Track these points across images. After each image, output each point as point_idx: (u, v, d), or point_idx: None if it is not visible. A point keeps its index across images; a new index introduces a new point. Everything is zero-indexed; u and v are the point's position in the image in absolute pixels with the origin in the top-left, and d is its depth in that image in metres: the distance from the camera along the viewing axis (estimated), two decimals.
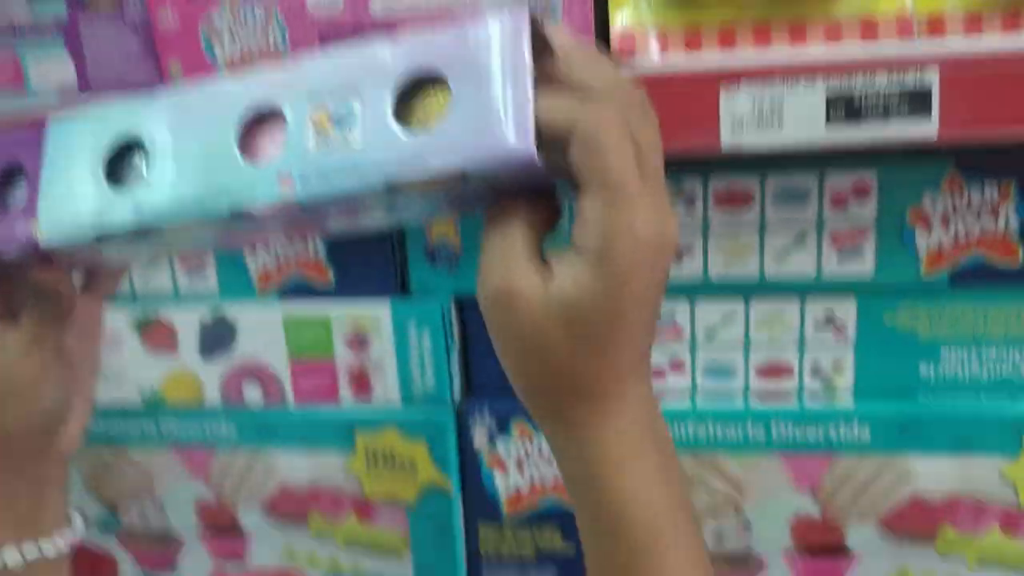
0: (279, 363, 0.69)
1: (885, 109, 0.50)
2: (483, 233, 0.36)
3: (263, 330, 0.68)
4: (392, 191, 0.34)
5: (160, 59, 0.59)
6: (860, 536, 0.65)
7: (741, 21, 0.53)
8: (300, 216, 0.37)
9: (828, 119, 0.51)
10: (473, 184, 0.34)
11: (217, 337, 0.69)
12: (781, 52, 0.53)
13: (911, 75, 0.50)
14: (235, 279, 0.68)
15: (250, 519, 0.74)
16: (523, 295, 0.34)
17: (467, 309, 0.68)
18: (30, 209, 0.40)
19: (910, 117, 0.51)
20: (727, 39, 0.54)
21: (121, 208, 0.38)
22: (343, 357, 0.68)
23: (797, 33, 0.53)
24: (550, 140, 0.33)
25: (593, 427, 0.36)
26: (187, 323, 0.69)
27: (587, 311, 0.34)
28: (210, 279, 0.69)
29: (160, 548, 0.77)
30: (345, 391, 0.69)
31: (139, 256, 0.48)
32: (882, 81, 0.50)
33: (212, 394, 0.71)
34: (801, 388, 0.65)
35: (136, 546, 0.78)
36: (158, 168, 0.38)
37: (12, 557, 0.44)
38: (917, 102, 0.50)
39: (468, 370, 0.70)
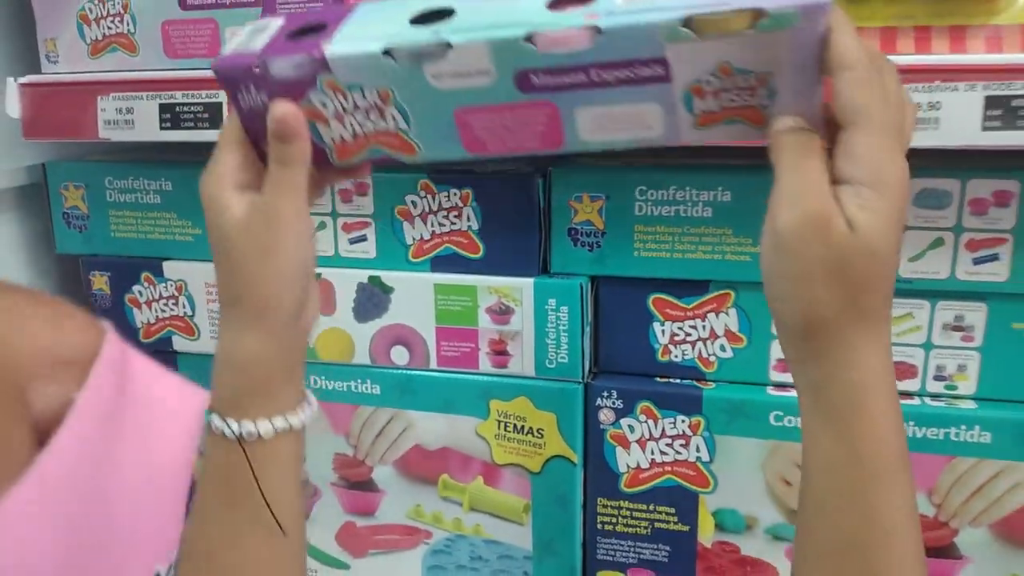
0: (426, 328, 0.73)
1: None
2: (782, 158, 0.39)
3: (414, 296, 0.72)
4: (687, 28, 0.37)
5: None
6: (972, 539, 0.65)
7: (902, 25, 0.54)
8: (576, 80, 0.40)
9: (984, 123, 0.52)
10: (756, 51, 0.37)
11: (372, 300, 0.73)
12: (941, 56, 0.54)
13: None
14: (392, 248, 0.72)
15: (383, 475, 0.77)
16: (836, 221, 0.37)
17: (603, 289, 0.70)
18: (326, 35, 0.44)
19: None
20: (888, 41, 0.55)
21: (417, 33, 0.42)
22: (485, 327, 0.71)
23: (957, 38, 0.55)
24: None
25: (869, 352, 0.39)
26: (345, 285, 0.74)
27: (880, 238, 0.37)
28: (370, 245, 0.73)
29: None
30: (484, 359, 0.72)
31: (386, 122, 0.46)
32: None
33: (362, 353, 0.75)
34: (923, 389, 0.65)
35: None
36: (460, 18, 0.41)
37: (265, 428, 0.46)
38: None
39: (597, 349, 0.72)
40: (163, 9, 0.71)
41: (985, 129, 0.52)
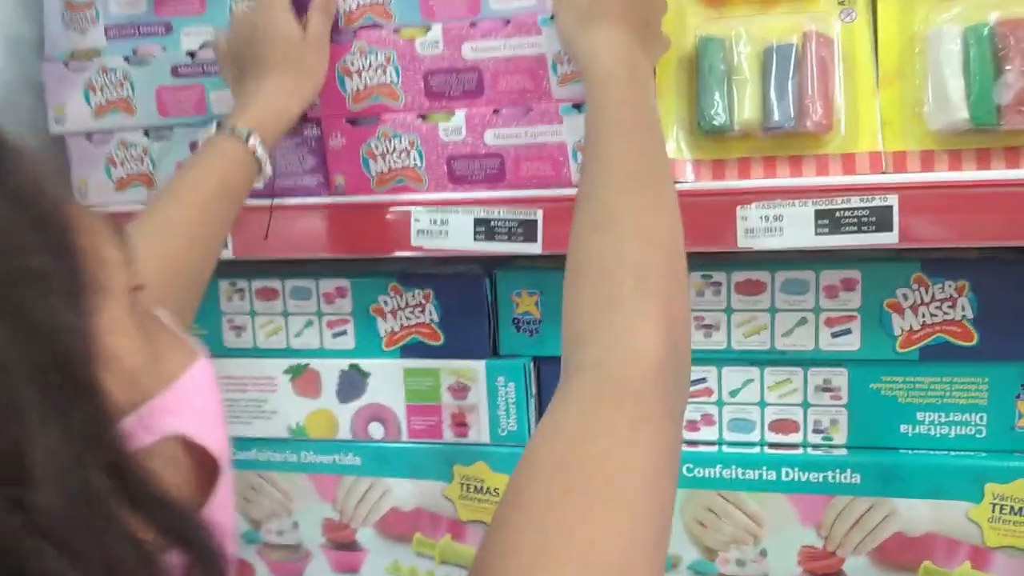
0: (398, 406, 0.85)
1: (859, 222, 0.66)
2: None
3: (387, 379, 0.85)
4: None
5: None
6: (855, 565, 0.77)
7: (754, 156, 0.69)
8: None
9: (816, 230, 0.67)
10: None
11: (352, 384, 0.86)
12: (783, 180, 0.69)
13: (878, 199, 0.65)
14: (368, 339, 0.85)
15: (365, 536, 0.89)
16: None
17: (543, 367, 0.83)
18: None
19: (878, 230, 0.66)
20: (744, 169, 0.70)
21: None
22: (447, 402, 0.84)
23: (795, 165, 0.70)
24: None
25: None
26: (329, 372, 0.87)
27: None
28: (349, 339, 0.86)
29: (292, 559, 0.92)
30: (447, 430, 0.84)
31: None
32: (856, 201, 0.66)
33: (344, 430, 0.87)
34: (805, 440, 0.78)
35: (271, 557, 0.93)
36: None
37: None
38: (882, 218, 0.66)
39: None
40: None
41: (817, 234, 0.66)
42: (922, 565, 0.75)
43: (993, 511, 0.73)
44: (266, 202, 0.80)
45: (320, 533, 0.90)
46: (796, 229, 0.67)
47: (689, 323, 0.54)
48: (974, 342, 0.73)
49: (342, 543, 0.90)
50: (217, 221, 0.68)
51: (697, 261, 0.77)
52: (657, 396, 0.45)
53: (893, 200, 0.65)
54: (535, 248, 0.72)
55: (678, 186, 0.70)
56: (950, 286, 0.73)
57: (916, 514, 0.75)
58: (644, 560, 0.38)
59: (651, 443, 0.42)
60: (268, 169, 0.71)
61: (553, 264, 0.83)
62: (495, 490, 0.83)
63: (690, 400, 0.79)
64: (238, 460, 0.89)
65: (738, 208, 0.67)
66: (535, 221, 0.72)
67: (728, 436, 0.80)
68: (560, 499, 0.39)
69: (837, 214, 0.66)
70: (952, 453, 0.75)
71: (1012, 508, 0.73)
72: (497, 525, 0.39)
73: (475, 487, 0.84)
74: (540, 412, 0.85)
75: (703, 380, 0.80)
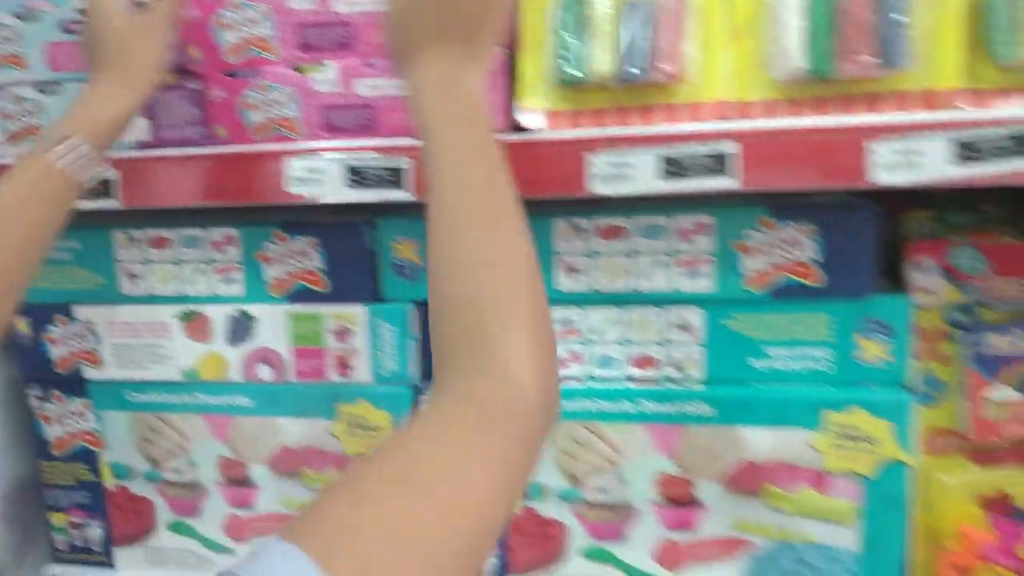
0: (285, 349, 0.88)
1: (701, 169, 0.70)
2: None
3: (274, 324, 0.88)
4: None
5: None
6: (707, 491, 0.82)
7: (608, 107, 0.73)
8: None
9: (662, 175, 0.70)
10: None
11: (241, 328, 0.89)
12: (633, 128, 0.72)
13: (719, 145, 0.69)
14: (256, 285, 0.88)
15: (258, 473, 0.92)
16: None
17: (424, 311, 0.86)
18: None
19: (718, 175, 0.70)
20: (598, 119, 0.74)
21: None
22: (331, 345, 0.87)
23: (646, 115, 0.73)
24: None
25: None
26: (220, 317, 0.89)
27: None
28: (239, 285, 0.89)
29: (190, 496, 0.95)
30: (332, 371, 0.88)
31: None
32: (699, 148, 0.69)
33: (235, 372, 0.90)
34: (664, 375, 0.83)
35: (170, 493, 0.96)
36: None
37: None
38: (724, 164, 0.70)
39: (427, 360, 0.88)
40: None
41: (664, 179, 0.70)
42: (768, 489, 0.81)
43: (832, 438, 0.78)
44: (153, 153, 0.82)
45: (216, 471, 0.94)
46: (643, 175, 0.70)
47: (555, 351, 0.56)
48: (819, 282, 0.78)
49: (237, 480, 0.93)
50: (24, 248, 0.68)
51: (563, 208, 0.81)
52: (519, 427, 0.48)
53: (734, 147, 0.69)
54: (405, 195, 0.75)
55: (535, 136, 0.73)
56: (796, 229, 0.77)
57: (762, 442, 0.80)
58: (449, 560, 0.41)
59: (493, 472, 0.45)
60: (88, 176, 0.72)
61: None
62: (378, 427, 0.87)
63: (558, 339, 0.84)
64: (137, 403, 0.92)
65: (586, 155, 0.71)
66: (405, 169, 0.75)
67: (594, 372, 0.84)
68: (385, 494, 0.41)
69: (682, 161, 0.70)
70: (798, 386, 0.80)
71: (849, 435, 0.78)
72: (317, 501, 0.41)
73: (359, 424, 0.87)
74: (422, 354, 0.88)
75: (570, 321, 0.84)
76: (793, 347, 0.80)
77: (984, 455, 0.81)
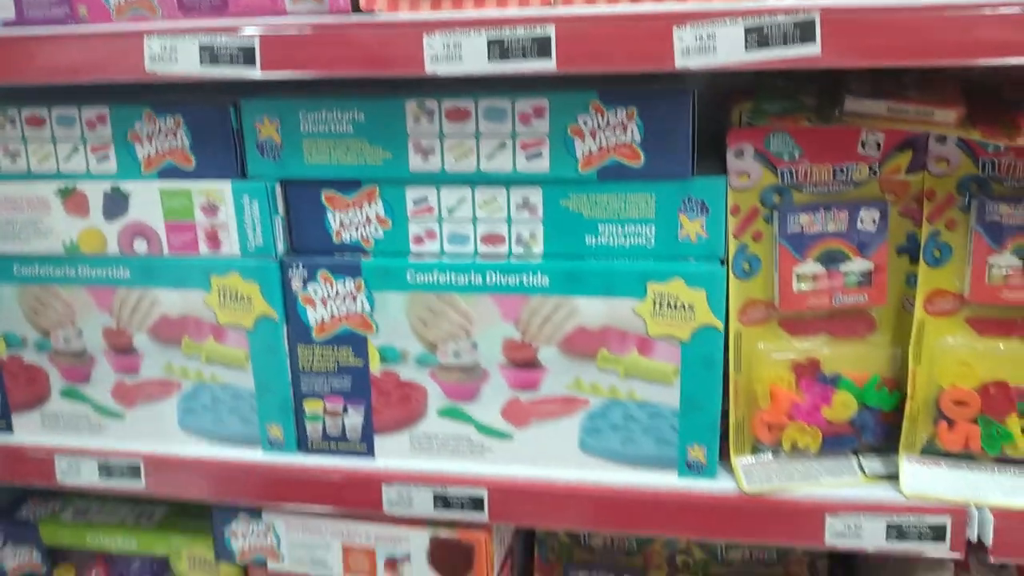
0: (157, 223, 0.93)
1: (523, 51, 0.74)
2: None
3: (146, 199, 0.92)
4: None
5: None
6: (547, 354, 0.89)
7: None
8: None
9: (489, 57, 0.75)
10: None
11: (115, 204, 0.93)
12: (468, 12, 0.76)
13: (539, 29, 0.73)
14: (128, 163, 0.92)
15: (141, 341, 0.98)
16: None
17: (290, 189, 0.91)
18: None
19: (537, 58, 0.74)
20: (436, 3, 0.78)
21: None
22: (200, 220, 0.92)
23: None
24: None
25: None
26: (95, 193, 0.93)
27: None
28: (111, 164, 0.92)
29: (79, 364, 1.01)
30: (203, 245, 0.93)
31: None
32: (521, 31, 0.73)
33: (112, 246, 0.95)
34: (510, 251, 0.89)
35: (61, 363, 1.01)
36: None
37: None
38: (543, 48, 0.74)
39: (292, 235, 0.93)
40: None
41: (490, 61, 0.75)
42: (600, 353, 0.89)
43: (654, 306, 0.86)
44: (17, 32, 0.84)
45: (102, 340, 0.99)
46: (473, 57, 0.75)
47: None
48: (641, 163, 0.84)
49: (121, 348, 0.99)
50: None
51: (413, 90, 0.85)
52: None
53: (551, 30, 0.74)
54: (254, 72, 0.79)
55: (376, 18, 0.77)
56: (621, 112, 0.83)
57: (594, 310, 0.87)
58: None
59: None
60: None
61: (297, 93, 0.90)
62: (248, 297, 0.93)
63: (414, 216, 0.89)
64: (23, 276, 0.97)
65: (424, 36, 0.75)
66: (253, 48, 0.79)
67: (448, 248, 0.90)
68: None
69: (506, 43, 0.74)
70: (626, 260, 0.87)
71: (670, 303, 0.86)
72: None
73: (231, 295, 0.93)
74: (287, 230, 0.93)
75: (424, 199, 0.89)
76: (622, 224, 0.86)
77: (796, 325, 0.89)
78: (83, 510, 1.17)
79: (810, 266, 0.86)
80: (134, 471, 1.00)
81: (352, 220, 0.91)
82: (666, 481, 0.90)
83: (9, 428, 1.06)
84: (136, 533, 1.12)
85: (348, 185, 0.90)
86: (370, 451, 0.96)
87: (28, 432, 1.05)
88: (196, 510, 1.14)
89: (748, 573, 1.10)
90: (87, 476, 1.02)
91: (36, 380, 1.03)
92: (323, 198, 0.91)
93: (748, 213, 0.86)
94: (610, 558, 1.12)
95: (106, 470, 1.01)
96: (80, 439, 1.03)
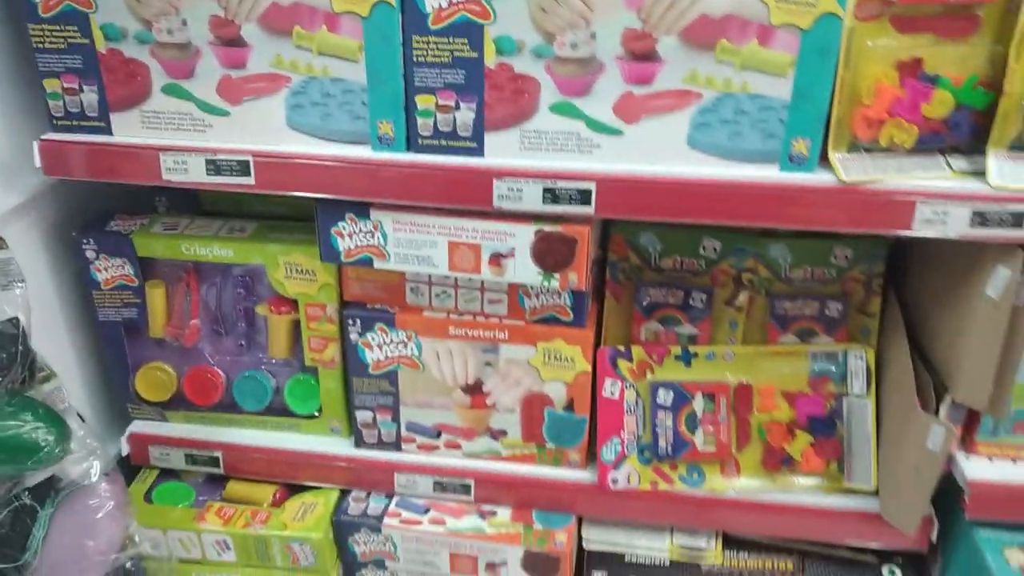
0: None
1: None
2: None
3: None
4: None
5: None
6: (666, 45, 0.90)
7: None
8: None
9: None
10: None
11: None
12: None
13: None
14: None
15: (249, 32, 0.95)
16: None
17: None
18: None
19: None
20: None
21: None
22: None
23: None
24: None
25: None
26: None
27: None
28: None
29: (182, 58, 0.98)
30: None
31: None
32: None
33: None
34: None
35: (163, 56, 0.99)
36: None
37: None
38: None
39: None
40: None
41: None
42: (719, 44, 0.89)
43: None
44: None
45: (208, 30, 0.96)
46: None
47: None
48: None
49: (228, 39, 0.96)
50: None
51: None
52: None
53: None
54: None
55: None
56: None
57: None
58: None
59: None
60: None
61: None
62: None
63: None
64: None
65: None
66: None
67: None
68: None
69: None
70: None
71: None
72: None
73: None
74: None
75: None
76: None
77: (906, 22, 0.90)
78: (172, 225, 1.17)
79: None
80: (244, 167, 1.00)
81: None
82: (769, 174, 0.93)
83: (108, 128, 1.04)
84: (231, 243, 1.13)
85: None
86: (480, 148, 0.97)
87: (128, 132, 1.04)
88: (287, 226, 1.16)
89: (808, 290, 1.16)
90: (195, 173, 1.01)
91: (137, 76, 1.00)
92: None
93: None
94: (678, 277, 1.17)
95: (214, 166, 1.00)
96: (182, 138, 1.02)
